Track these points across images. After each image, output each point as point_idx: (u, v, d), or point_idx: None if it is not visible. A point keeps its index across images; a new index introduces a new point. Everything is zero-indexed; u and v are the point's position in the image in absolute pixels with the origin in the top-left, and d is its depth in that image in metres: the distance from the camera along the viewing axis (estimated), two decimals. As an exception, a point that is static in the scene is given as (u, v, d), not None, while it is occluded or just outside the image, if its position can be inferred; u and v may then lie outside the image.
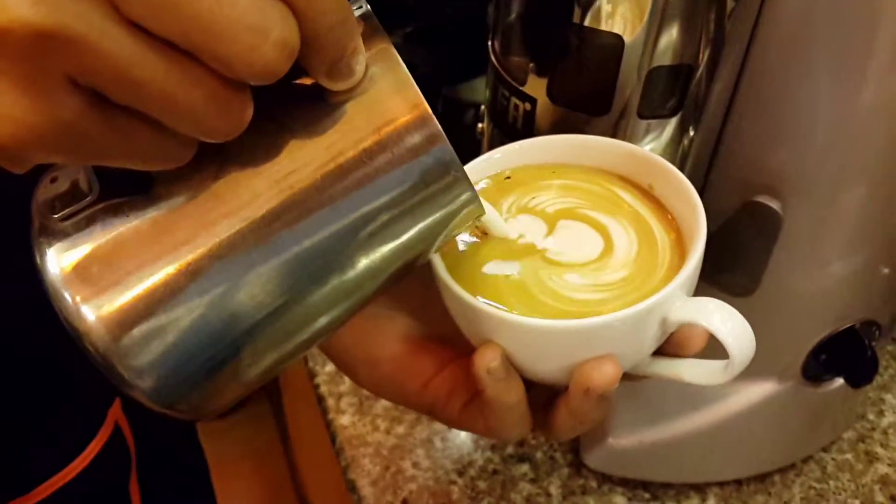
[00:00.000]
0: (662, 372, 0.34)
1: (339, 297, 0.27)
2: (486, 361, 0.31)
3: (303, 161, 0.24)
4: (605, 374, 0.30)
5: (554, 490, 0.57)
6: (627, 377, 0.34)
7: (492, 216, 0.33)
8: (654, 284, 0.31)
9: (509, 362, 0.32)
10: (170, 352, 0.24)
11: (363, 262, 0.26)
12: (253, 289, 0.25)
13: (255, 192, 0.24)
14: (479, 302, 0.31)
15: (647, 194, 0.35)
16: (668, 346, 0.33)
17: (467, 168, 0.36)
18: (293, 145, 0.25)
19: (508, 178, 0.37)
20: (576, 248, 0.33)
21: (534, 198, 0.36)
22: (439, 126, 0.25)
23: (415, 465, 0.59)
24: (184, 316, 0.24)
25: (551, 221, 0.35)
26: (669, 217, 0.35)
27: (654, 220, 0.34)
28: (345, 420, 0.63)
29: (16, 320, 0.44)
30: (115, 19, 0.19)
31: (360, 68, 0.25)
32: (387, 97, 0.25)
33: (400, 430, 0.62)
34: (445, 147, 0.25)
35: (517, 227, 0.35)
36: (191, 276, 0.24)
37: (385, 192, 0.25)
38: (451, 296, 0.32)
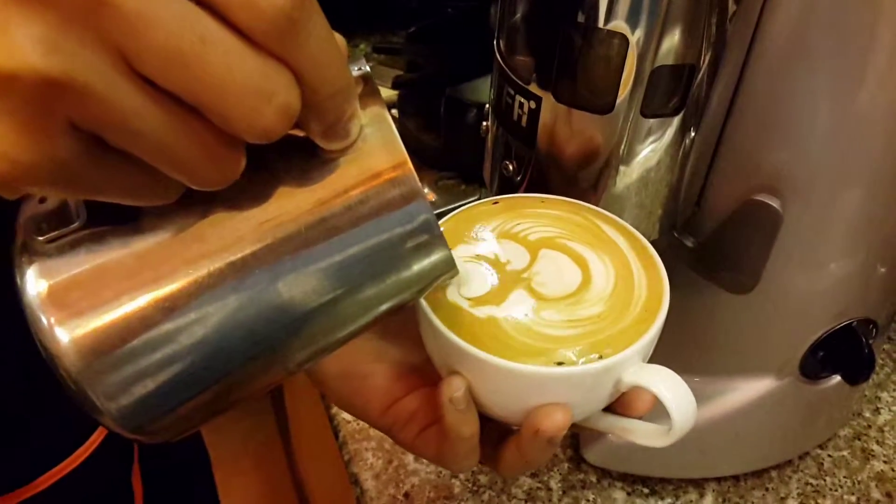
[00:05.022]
0: (611, 427, 0.36)
1: (311, 340, 0.27)
2: (452, 391, 0.33)
3: (288, 209, 0.25)
4: (556, 421, 0.31)
5: (554, 484, 0.58)
6: (578, 427, 0.36)
7: (464, 275, 0.34)
8: (625, 325, 0.32)
9: (471, 396, 0.33)
10: (140, 381, 0.24)
11: (337, 312, 0.27)
12: (227, 328, 0.25)
13: (238, 234, 0.25)
14: (449, 333, 0.32)
15: (630, 233, 0.37)
16: (618, 405, 0.35)
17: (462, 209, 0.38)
18: (280, 194, 0.25)
19: (496, 202, 0.38)
20: (555, 279, 0.34)
21: (518, 224, 0.37)
22: (420, 185, 0.26)
23: (417, 459, 0.60)
24: (157, 348, 0.24)
25: (533, 250, 0.36)
26: (649, 254, 0.36)
27: (634, 256, 0.35)
28: (348, 415, 0.63)
29: (16, 314, 0.44)
30: (122, 71, 0.19)
31: (354, 131, 0.25)
32: (374, 155, 0.26)
33: (402, 424, 0.62)
34: (424, 205, 0.26)
35: (500, 251, 0.36)
36: (167, 311, 0.24)
37: (363, 244, 0.26)
38: (425, 323, 0.33)
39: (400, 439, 0.39)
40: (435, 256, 0.28)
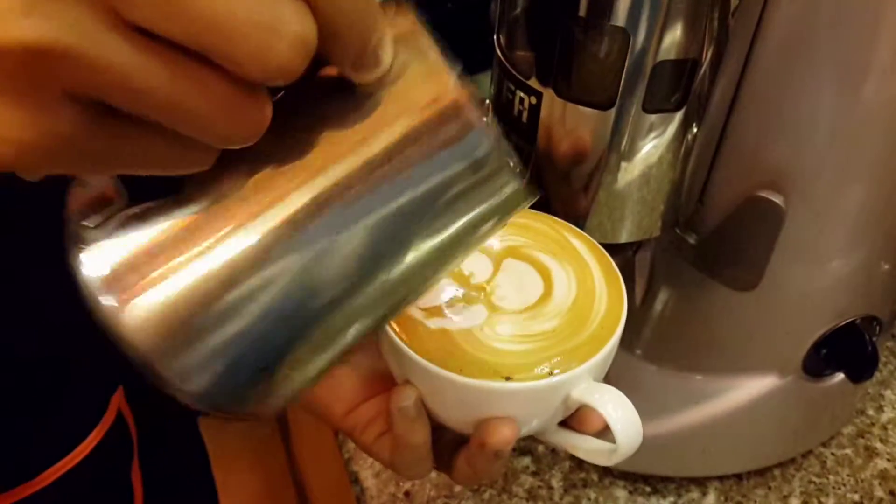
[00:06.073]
0: (561, 442, 0.36)
1: (382, 294, 0.26)
2: (401, 400, 0.32)
3: (335, 155, 0.23)
4: (502, 435, 0.31)
5: (555, 483, 0.58)
6: (534, 438, 0.36)
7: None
8: (579, 341, 0.32)
9: (422, 406, 0.33)
10: (213, 355, 0.23)
11: (406, 258, 0.25)
12: (293, 291, 0.23)
13: (287, 190, 0.23)
14: (400, 342, 0.32)
15: (595, 247, 0.37)
16: (573, 420, 0.35)
17: None
18: (324, 139, 0.23)
19: None
20: (515, 291, 0.34)
21: None
22: (475, 110, 0.23)
23: (416, 457, 0.59)
24: (224, 318, 0.23)
25: (497, 259, 0.35)
26: (612, 270, 0.35)
27: (598, 269, 0.35)
28: (347, 412, 0.63)
29: (18, 311, 0.44)
30: (113, 26, 0.17)
31: (387, 58, 0.23)
32: (418, 83, 0.23)
33: (402, 422, 0.62)
34: (482, 132, 0.24)
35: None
36: (228, 280, 0.23)
37: (422, 184, 0.24)
38: (381, 331, 0.33)
39: (360, 442, 0.39)
40: (504, 185, 0.25)
